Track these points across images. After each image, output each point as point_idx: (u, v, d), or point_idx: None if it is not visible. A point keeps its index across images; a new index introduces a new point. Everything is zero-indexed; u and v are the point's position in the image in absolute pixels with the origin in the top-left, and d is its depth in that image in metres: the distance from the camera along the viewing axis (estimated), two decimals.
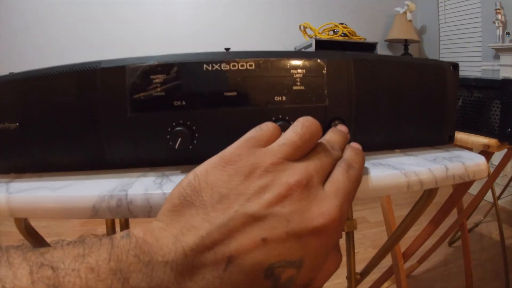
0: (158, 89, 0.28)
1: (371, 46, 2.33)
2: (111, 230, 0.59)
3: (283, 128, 0.23)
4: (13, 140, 0.30)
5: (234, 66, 0.29)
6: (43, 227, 1.58)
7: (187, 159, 0.31)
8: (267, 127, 0.22)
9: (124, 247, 0.16)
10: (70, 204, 0.26)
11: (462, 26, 2.44)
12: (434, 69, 0.35)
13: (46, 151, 0.30)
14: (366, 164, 0.30)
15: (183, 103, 0.29)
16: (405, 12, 2.55)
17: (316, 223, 0.18)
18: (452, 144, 0.38)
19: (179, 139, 0.28)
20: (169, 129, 0.29)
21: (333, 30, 2.31)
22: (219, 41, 2.39)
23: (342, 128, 0.28)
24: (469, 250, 1.10)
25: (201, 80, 0.29)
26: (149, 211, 0.26)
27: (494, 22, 2.04)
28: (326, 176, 0.21)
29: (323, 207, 0.19)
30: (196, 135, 0.29)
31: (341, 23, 2.31)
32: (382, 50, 2.71)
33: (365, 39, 2.33)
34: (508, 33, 1.99)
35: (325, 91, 0.30)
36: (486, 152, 0.51)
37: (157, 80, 0.28)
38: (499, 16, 2.00)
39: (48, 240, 0.36)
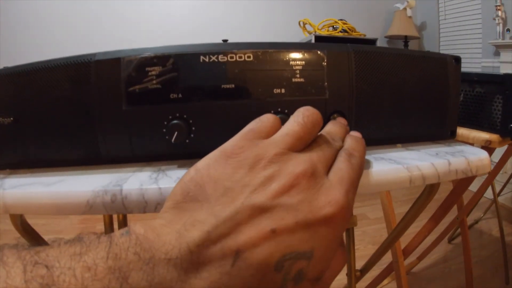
0: (154, 82, 0.28)
1: (371, 42, 2.31)
2: (109, 227, 0.58)
3: (283, 122, 0.22)
4: (7, 135, 0.29)
5: (232, 57, 0.28)
6: (42, 224, 1.58)
7: (184, 154, 0.30)
8: (267, 118, 0.21)
9: (124, 244, 0.15)
10: (64, 199, 0.26)
11: (462, 23, 2.43)
12: (437, 62, 0.34)
13: (40, 146, 0.30)
14: (368, 158, 0.30)
15: (180, 95, 0.28)
16: (405, 8, 2.54)
17: (325, 211, 0.18)
18: (453, 139, 0.37)
19: (176, 133, 0.27)
20: (165, 123, 0.28)
21: (333, 26, 2.29)
22: (219, 37, 2.35)
23: (341, 120, 0.28)
24: (469, 247, 1.10)
25: (198, 72, 0.28)
26: (144, 206, 0.25)
27: (494, 19, 2.03)
28: (329, 167, 0.21)
29: (330, 196, 0.18)
30: (193, 128, 0.29)
31: (341, 19, 2.30)
32: None
33: (365, 35, 2.32)
34: (508, 30, 1.99)
35: (325, 83, 0.30)
36: (488, 148, 0.50)
37: (153, 72, 0.28)
38: (499, 13, 1.99)
39: (46, 238, 0.36)
